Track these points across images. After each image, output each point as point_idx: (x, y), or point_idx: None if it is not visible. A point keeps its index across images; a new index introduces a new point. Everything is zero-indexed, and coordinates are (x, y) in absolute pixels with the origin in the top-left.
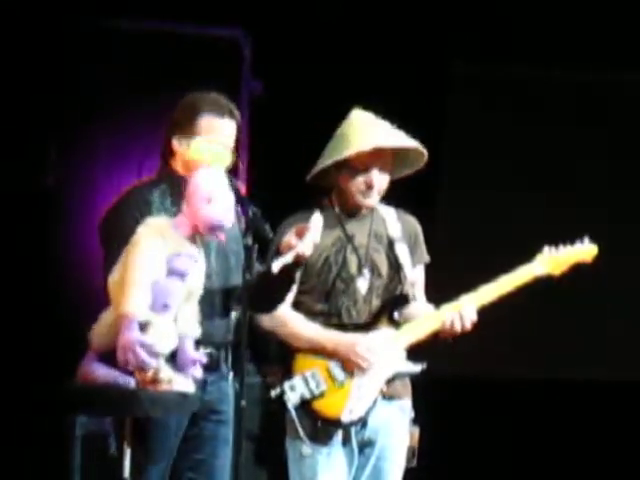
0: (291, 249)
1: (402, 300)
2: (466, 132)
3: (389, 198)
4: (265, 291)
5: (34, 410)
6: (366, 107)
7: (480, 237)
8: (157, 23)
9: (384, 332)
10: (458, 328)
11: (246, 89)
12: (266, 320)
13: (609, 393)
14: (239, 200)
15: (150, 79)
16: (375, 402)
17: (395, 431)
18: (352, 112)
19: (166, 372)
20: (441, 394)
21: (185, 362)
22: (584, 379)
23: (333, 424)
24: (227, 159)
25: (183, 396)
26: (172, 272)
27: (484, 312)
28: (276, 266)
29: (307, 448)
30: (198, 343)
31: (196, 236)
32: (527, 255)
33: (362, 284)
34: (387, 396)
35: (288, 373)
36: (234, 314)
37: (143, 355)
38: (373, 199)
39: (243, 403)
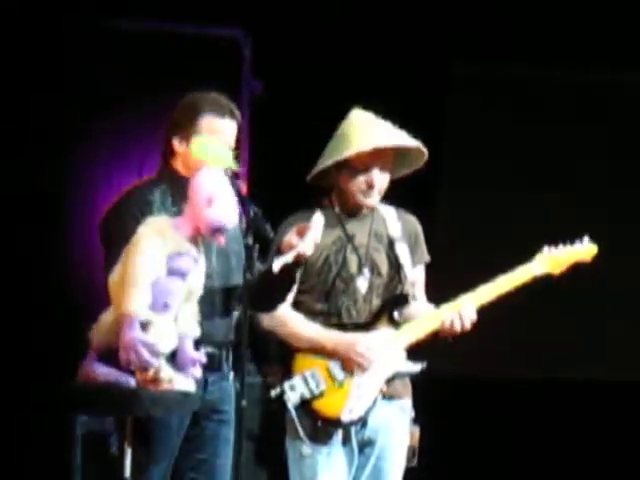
0: (292, 248)
1: (402, 300)
2: (466, 132)
3: (389, 198)
4: (266, 290)
5: (34, 410)
6: (366, 107)
7: (480, 237)
8: (157, 23)
9: (384, 332)
10: (458, 328)
11: (246, 89)
12: (266, 320)
13: (609, 393)
14: (240, 200)
15: (150, 79)
16: (375, 402)
17: (395, 431)
18: (352, 112)
19: (167, 371)
20: (441, 394)
21: (185, 362)
22: (583, 379)
23: (333, 424)
24: (229, 159)
25: (184, 395)
26: (172, 272)
27: (484, 312)
28: (277, 265)
29: (307, 448)
30: (199, 343)
31: (198, 235)
32: (527, 255)
33: (362, 283)
34: (387, 396)
35: (288, 373)
36: (235, 314)
37: (145, 354)
38: (374, 199)
39: (244, 403)
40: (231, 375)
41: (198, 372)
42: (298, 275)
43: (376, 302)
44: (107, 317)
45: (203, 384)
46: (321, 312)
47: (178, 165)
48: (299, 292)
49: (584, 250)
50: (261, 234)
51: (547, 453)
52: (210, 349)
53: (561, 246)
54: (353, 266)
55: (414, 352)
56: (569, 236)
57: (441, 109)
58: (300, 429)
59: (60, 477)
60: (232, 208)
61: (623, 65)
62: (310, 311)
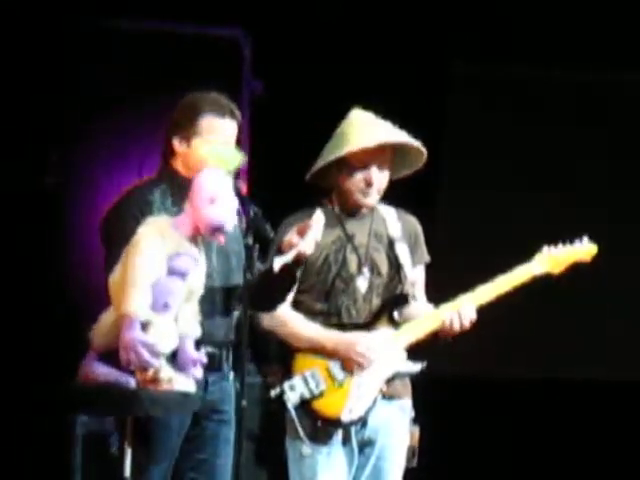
0: (292, 247)
1: (402, 300)
2: (466, 132)
3: (389, 198)
4: (266, 290)
5: (34, 410)
6: (366, 107)
7: (480, 237)
8: (157, 23)
9: (384, 332)
10: (457, 327)
11: (246, 89)
12: (266, 320)
13: (609, 393)
14: (240, 200)
15: (150, 79)
16: (375, 402)
17: (395, 431)
18: (352, 112)
19: (166, 371)
20: (441, 394)
21: (186, 362)
22: (583, 379)
23: (333, 424)
24: (237, 160)
25: (184, 396)
26: (172, 272)
27: (484, 312)
28: (277, 265)
29: (307, 448)
30: (199, 342)
31: (198, 235)
32: (527, 255)
33: (362, 283)
34: (387, 396)
35: (288, 373)
36: (235, 314)
37: (145, 355)
38: (372, 198)
39: (244, 403)
40: (231, 375)
41: (199, 372)
42: (298, 274)
43: (376, 302)
44: (107, 317)
45: (203, 384)
46: (321, 312)
47: (178, 165)
48: (299, 292)
49: (584, 250)
50: (261, 234)
51: (547, 453)
52: (210, 349)
53: (561, 246)
54: (353, 266)
55: (414, 352)
56: (569, 236)
57: (441, 109)
58: (300, 429)
59: (60, 477)
60: (233, 209)
61: (623, 65)
62: (310, 311)
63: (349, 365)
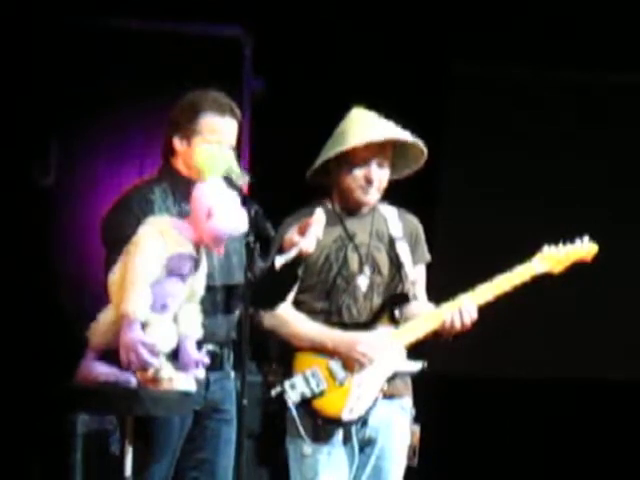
0: (294, 246)
1: (403, 299)
2: (466, 132)
3: (389, 198)
4: (268, 288)
5: (35, 409)
6: (366, 107)
7: (480, 237)
8: (158, 22)
9: (385, 330)
10: (458, 326)
11: (247, 88)
12: (267, 319)
13: (609, 393)
14: (241, 199)
15: (151, 78)
16: (375, 401)
17: (396, 430)
18: (352, 110)
19: (167, 371)
20: (442, 392)
21: (187, 363)
22: (586, 378)
23: (333, 423)
24: (230, 167)
25: (184, 395)
26: (172, 273)
27: (485, 311)
28: (279, 263)
29: (308, 447)
30: (201, 341)
31: (201, 243)
32: (527, 255)
33: (363, 282)
34: (388, 395)
35: (288, 372)
36: (237, 312)
37: (145, 355)
38: (372, 195)
39: (244, 402)
40: (232, 374)
41: (201, 373)
42: (299, 273)
43: (377, 301)
44: (106, 316)
45: (205, 383)
46: (322, 311)
47: (179, 164)
48: (300, 291)
49: (584, 249)
50: (262, 233)
51: (548, 452)
52: (212, 347)
53: (561, 245)
54: (354, 265)
55: (415, 351)
56: (569, 236)
57: (441, 109)
58: (301, 428)
59: (61, 476)
60: (234, 216)
61: (623, 65)
62: (311, 310)
63: (350, 364)
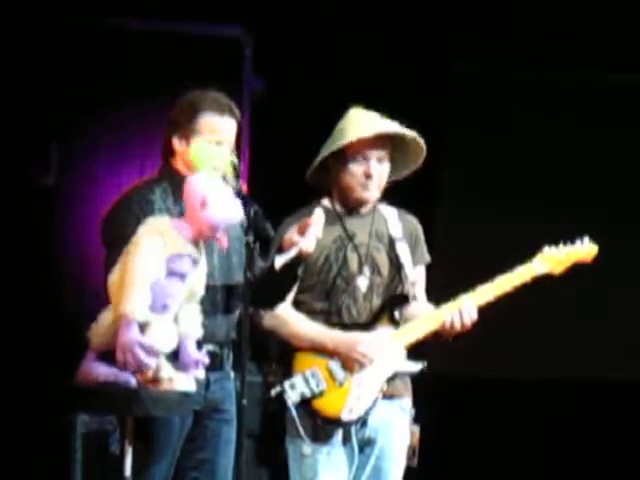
0: (293, 246)
1: (403, 299)
2: (466, 132)
3: (389, 198)
4: (268, 288)
5: (35, 409)
6: (366, 107)
7: (480, 237)
8: (158, 22)
9: (384, 331)
10: (458, 327)
11: (247, 88)
12: (267, 319)
13: (610, 393)
14: (241, 199)
15: (151, 78)
16: (375, 401)
17: (395, 430)
18: (350, 110)
19: (167, 371)
20: (442, 393)
21: (188, 363)
22: (586, 379)
23: (333, 423)
24: (225, 166)
25: (184, 395)
26: (172, 273)
27: (485, 311)
28: (278, 263)
29: (307, 447)
30: (201, 341)
31: (200, 237)
32: (527, 255)
33: (362, 282)
34: (387, 395)
35: (288, 372)
36: (237, 312)
37: (142, 356)
38: (372, 192)
39: (244, 402)
40: (232, 374)
41: (201, 373)
42: (299, 273)
43: (377, 302)
44: (106, 316)
45: (205, 383)
46: (322, 311)
47: (179, 164)
48: (300, 291)
49: (584, 250)
50: (262, 233)
51: (548, 453)
52: (212, 348)
53: (561, 246)
54: (354, 265)
55: (415, 351)
56: (569, 236)
57: (441, 109)
58: (300, 428)
59: (61, 475)
60: (228, 206)
61: (623, 65)
62: (311, 310)
63: (350, 364)
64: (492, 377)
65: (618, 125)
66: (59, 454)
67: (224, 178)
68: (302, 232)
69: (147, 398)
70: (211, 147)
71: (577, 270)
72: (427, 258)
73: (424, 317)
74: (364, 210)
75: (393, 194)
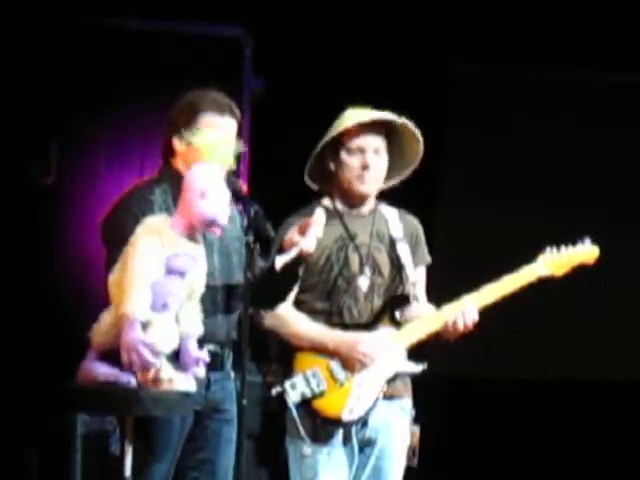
0: (294, 245)
1: (404, 300)
2: (466, 132)
3: (389, 198)
4: (268, 288)
5: (35, 409)
6: (366, 107)
7: (480, 237)
8: (158, 22)
9: (385, 331)
10: (461, 327)
11: (247, 88)
12: (267, 319)
13: (611, 393)
14: (241, 199)
15: (151, 78)
16: (376, 402)
17: (396, 430)
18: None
19: (167, 371)
20: (442, 393)
21: (188, 361)
22: (586, 379)
23: (333, 423)
24: (229, 157)
25: (185, 395)
26: (171, 271)
27: (485, 311)
28: (279, 263)
29: (307, 448)
30: (201, 341)
31: (196, 234)
32: (527, 255)
33: (363, 283)
34: (388, 395)
35: (288, 372)
36: (237, 312)
37: (146, 355)
38: (370, 185)
39: (244, 402)
40: (233, 374)
41: (201, 371)
42: (300, 273)
43: (377, 302)
44: (107, 317)
45: (206, 383)
46: (323, 311)
47: (179, 164)
48: (301, 291)
49: (586, 252)
50: (262, 233)
51: (548, 453)
52: (212, 348)
53: (563, 248)
54: (355, 265)
55: (415, 352)
56: (569, 236)
57: (441, 109)
58: (301, 428)
59: (60, 477)
60: (224, 204)
61: (623, 65)
62: (312, 310)
63: (350, 364)
64: (492, 377)
65: (618, 125)
66: (59, 454)
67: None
68: (303, 232)
69: (147, 398)
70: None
71: (576, 270)
72: (428, 259)
73: (425, 318)
74: (365, 210)
75: (393, 194)
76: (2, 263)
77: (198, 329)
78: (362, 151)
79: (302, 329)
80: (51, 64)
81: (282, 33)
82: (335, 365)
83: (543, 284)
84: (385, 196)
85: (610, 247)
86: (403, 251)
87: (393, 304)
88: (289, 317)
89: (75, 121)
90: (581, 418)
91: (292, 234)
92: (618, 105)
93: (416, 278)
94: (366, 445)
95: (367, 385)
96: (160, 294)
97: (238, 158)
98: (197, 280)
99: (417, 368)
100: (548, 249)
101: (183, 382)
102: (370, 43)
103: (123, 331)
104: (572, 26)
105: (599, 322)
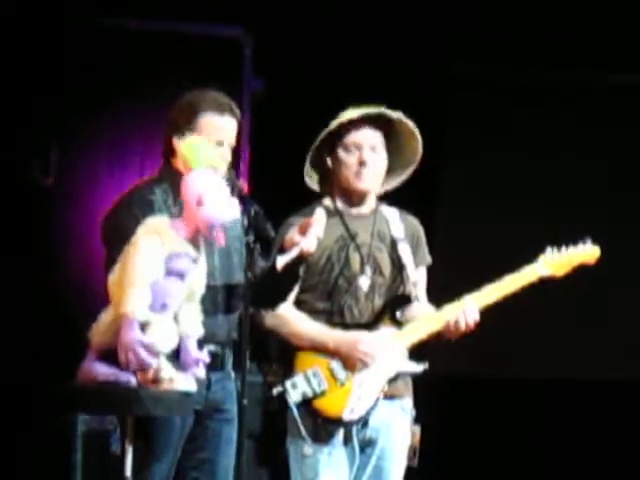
0: (295, 245)
1: (404, 300)
2: (466, 132)
3: (389, 198)
4: (269, 288)
5: (35, 409)
6: (366, 107)
7: (480, 237)
8: (158, 22)
9: (386, 331)
10: (462, 327)
11: (247, 88)
12: (268, 319)
13: (611, 393)
14: (241, 199)
15: (151, 78)
16: (377, 401)
17: (396, 430)
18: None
19: (167, 371)
20: (443, 393)
21: (188, 362)
22: (586, 379)
23: (334, 423)
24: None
25: (185, 395)
26: (171, 272)
27: (487, 311)
28: (280, 263)
29: (308, 448)
30: (202, 342)
31: (197, 236)
32: (527, 255)
33: (364, 282)
34: (388, 395)
35: (289, 371)
36: (238, 312)
37: (144, 355)
38: (367, 182)
39: (245, 402)
40: (233, 374)
41: (201, 372)
42: (301, 272)
43: (378, 302)
44: (106, 316)
45: (206, 383)
46: (323, 311)
47: (179, 164)
48: (302, 291)
49: (587, 252)
50: (262, 233)
51: (549, 453)
52: (213, 348)
53: (564, 248)
54: (356, 265)
55: (416, 351)
56: (569, 236)
57: (441, 109)
58: (302, 428)
59: (60, 476)
60: (224, 204)
61: (623, 65)
62: (312, 310)
63: (351, 364)
64: (492, 377)
65: (618, 125)
66: (59, 454)
67: (225, 177)
68: (303, 232)
69: (147, 398)
70: (205, 145)
71: (576, 270)
72: (428, 260)
73: (426, 317)
74: (366, 210)
75: (393, 194)
76: (2, 263)
77: (198, 330)
78: (358, 148)
79: (303, 329)
80: (51, 64)
81: (282, 33)
82: (336, 365)
83: (544, 284)
84: (385, 196)
85: (610, 247)
86: (404, 251)
87: (394, 304)
88: (290, 317)
89: (75, 121)
90: (581, 418)
91: (293, 234)
92: (618, 105)
93: (417, 278)
94: (367, 445)
95: (368, 385)
96: (159, 295)
97: (235, 157)
98: (197, 281)
99: (418, 368)
100: (549, 249)
101: (183, 382)
102: (370, 43)
103: (121, 330)
104: (572, 26)
105: (599, 322)
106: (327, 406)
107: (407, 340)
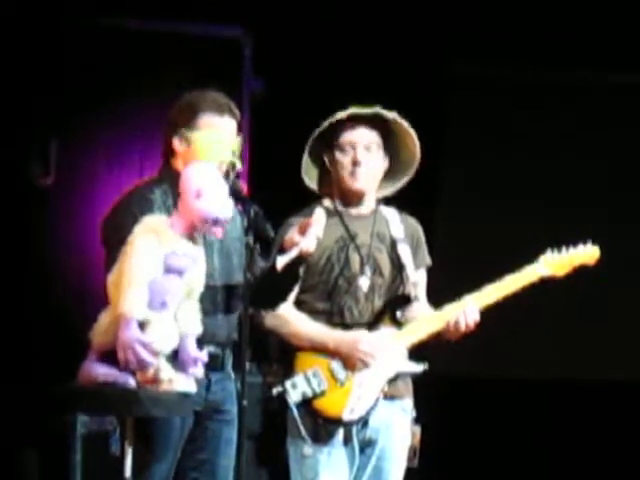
0: (294, 245)
1: (404, 300)
2: (466, 132)
3: (390, 198)
4: (269, 288)
5: (35, 409)
6: (366, 107)
7: (480, 237)
8: (158, 22)
9: (387, 331)
10: (462, 327)
11: (247, 88)
12: (268, 319)
13: (611, 393)
14: (241, 199)
15: (151, 78)
16: (377, 402)
17: (396, 431)
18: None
19: (167, 371)
20: (443, 393)
21: (187, 361)
22: (586, 379)
23: (334, 423)
24: (227, 156)
25: (184, 396)
26: (169, 270)
27: (487, 311)
28: (280, 263)
29: (308, 448)
30: (202, 342)
31: (195, 234)
32: (527, 255)
33: (364, 283)
34: (388, 396)
35: (289, 372)
36: (237, 313)
37: (143, 354)
38: (362, 181)
39: (244, 403)
40: (233, 375)
41: (200, 371)
42: (300, 273)
43: (378, 302)
44: (106, 317)
45: (206, 384)
46: (323, 311)
47: (179, 165)
48: (301, 291)
49: (587, 253)
50: (262, 233)
51: (549, 453)
52: (213, 348)
53: (564, 249)
54: (355, 265)
55: (416, 352)
56: (569, 236)
57: (441, 109)
58: (302, 428)
59: (60, 477)
60: (222, 201)
61: (623, 65)
62: (312, 310)
63: (351, 364)
64: (492, 377)
65: (618, 125)
66: (59, 454)
67: (226, 176)
68: (303, 232)
69: (147, 398)
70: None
71: (576, 270)
72: (428, 261)
73: (426, 317)
74: (365, 211)
75: (393, 194)
76: (2, 263)
77: (197, 328)
78: (353, 147)
79: (303, 329)
80: (51, 64)
81: (282, 33)
82: (336, 365)
83: (544, 284)
84: (385, 196)
85: (610, 247)
86: (404, 252)
87: (394, 304)
88: (290, 317)
89: (75, 121)
90: (581, 418)
91: (292, 234)
92: (618, 105)
93: (417, 279)
94: (367, 445)
95: (368, 385)
96: (158, 293)
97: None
98: (196, 279)
99: (418, 368)
100: (549, 250)
101: (183, 382)
102: (370, 43)
103: (120, 330)
104: (572, 26)
105: (599, 322)
106: (327, 406)
107: (407, 340)
